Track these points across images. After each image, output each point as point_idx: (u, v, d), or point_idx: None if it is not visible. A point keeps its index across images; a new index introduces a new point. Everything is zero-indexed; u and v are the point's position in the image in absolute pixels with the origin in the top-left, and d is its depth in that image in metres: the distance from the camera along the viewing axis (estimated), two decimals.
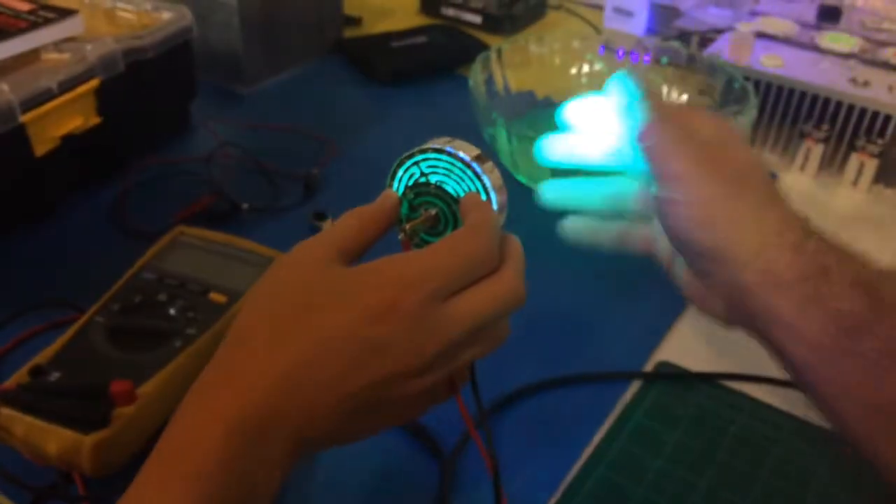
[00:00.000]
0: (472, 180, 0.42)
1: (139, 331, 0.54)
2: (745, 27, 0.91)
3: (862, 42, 0.92)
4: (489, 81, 0.83)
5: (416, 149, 0.43)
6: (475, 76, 0.78)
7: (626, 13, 1.15)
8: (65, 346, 0.53)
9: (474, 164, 0.42)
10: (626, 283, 0.70)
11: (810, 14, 0.99)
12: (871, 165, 0.83)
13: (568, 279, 0.70)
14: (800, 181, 0.86)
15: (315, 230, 0.72)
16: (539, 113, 0.87)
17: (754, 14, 0.99)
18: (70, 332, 0.54)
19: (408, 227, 0.42)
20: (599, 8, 1.18)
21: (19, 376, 0.51)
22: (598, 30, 1.15)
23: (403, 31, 1.05)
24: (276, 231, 0.73)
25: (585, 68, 0.89)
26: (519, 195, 0.47)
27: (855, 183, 0.85)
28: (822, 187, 0.85)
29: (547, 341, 0.64)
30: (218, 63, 0.93)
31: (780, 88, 0.86)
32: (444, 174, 0.43)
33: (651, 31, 1.12)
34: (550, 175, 0.52)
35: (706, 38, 1.02)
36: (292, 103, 0.93)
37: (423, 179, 0.43)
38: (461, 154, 0.42)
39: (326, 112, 0.92)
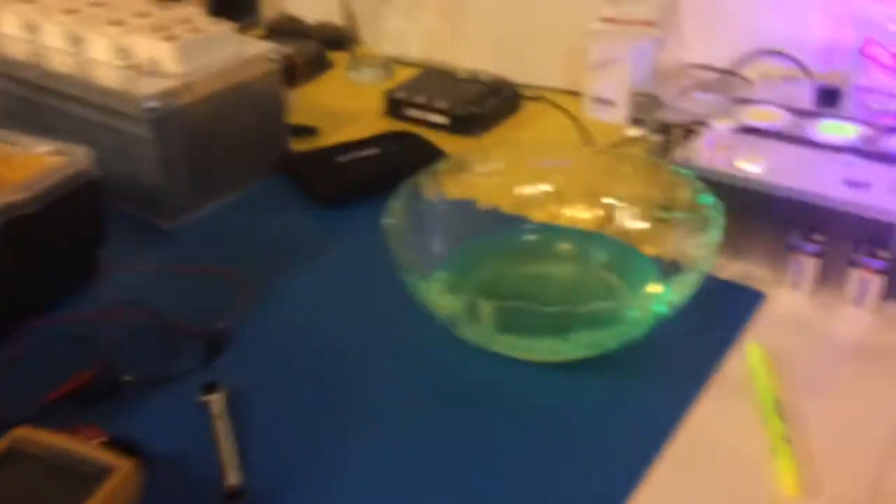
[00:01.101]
0: None
1: None
2: (725, 122, 0.79)
3: (864, 129, 0.79)
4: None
5: None
6: (395, 215, 0.68)
7: (607, 103, 1.04)
8: None
9: None
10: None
11: (807, 98, 0.87)
12: (877, 282, 0.70)
13: None
14: (793, 301, 0.73)
15: (202, 407, 0.62)
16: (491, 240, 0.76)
17: (744, 101, 0.87)
18: None
19: None
20: (580, 95, 1.08)
21: None
22: (577, 121, 1.04)
23: (354, 141, 0.96)
24: (160, 409, 0.63)
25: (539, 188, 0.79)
26: None
27: (859, 303, 0.71)
28: (821, 308, 0.72)
29: None
30: (139, 197, 0.85)
31: (762, 195, 0.74)
32: None
33: (633, 121, 1.01)
34: None
35: (690, 131, 0.90)
36: (221, 237, 0.85)
37: None
38: None
39: (257, 246, 0.84)
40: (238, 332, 0.71)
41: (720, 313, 0.71)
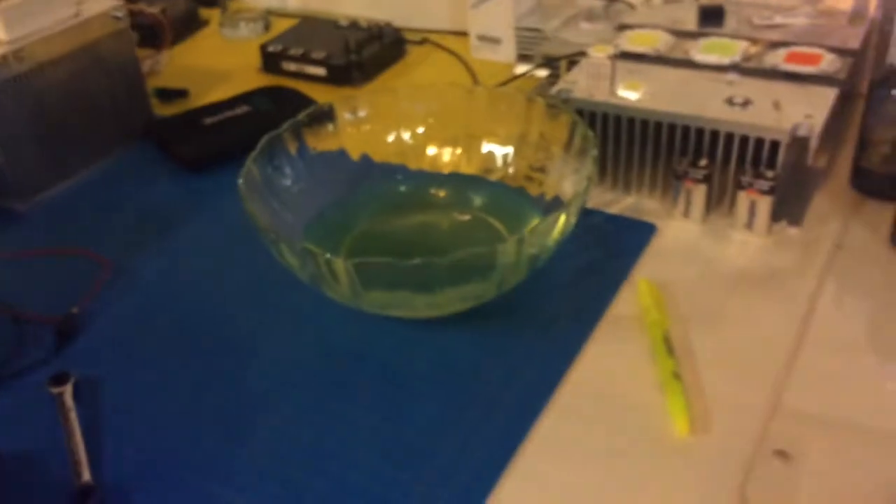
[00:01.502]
0: None
1: None
2: (602, 51, 0.75)
3: (747, 46, 0.76)
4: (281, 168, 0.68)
5: None
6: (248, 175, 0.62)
7: (493, 40, 1.00)
8: None
9: None
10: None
11: (691, 19, 0.83)
12: (765, 204, 0.67)
13: None
14: (685, 230, 0.70)
15: (52, 401, 0.57)
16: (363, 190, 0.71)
17: (627, 27, 0.83)
18: None
19: None
20: (467, 35, 1.02)
21: None
22: (465, 62, 0.99)
23: (224, 101, 0.90)
24: (9, 404, 0.58)
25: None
26: None
27: (749, 226, 0.68)
28: (712, 235, 0.69)
29: None
30: None
31: (643, 123, 0.70)
32: None
33: (521, 57, 0.97)
34: None
35: (573, 62, 0.86)
36: (78, 215, 0.78)
37: None
38: None
39: (117, 222, 0.77)
40: (94, 316, 0.65)
41: (611, 250, 0.68)
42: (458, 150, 0.73)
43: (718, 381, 0.56)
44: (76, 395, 0.57)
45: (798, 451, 0.51)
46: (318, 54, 0.98)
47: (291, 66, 1.00)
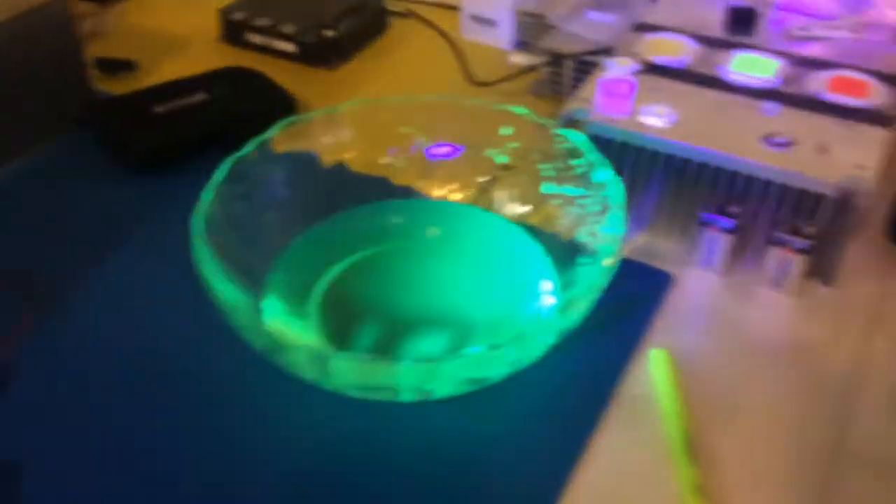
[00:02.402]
0: None
1: None
2: (623, 63, 0.65)
3: (783, 65, 0.67)
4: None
5: None
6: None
7: (487, 22, 0.88)
8: None
9: None
10: None
11: (717, 20, 0.73)
12: (799, 264, 0.58)
13: None
14: (705, 282, 0.62)
15: None
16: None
17: (644, 27, 0.72)
18: None
19: None
20: (457, 10, 0.91)
21: None
22: (453, 44, 0.88)
23: (176, 82, 0.78)
24: None
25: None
26: None
27: (778, 284, 0.60)
28: (735, 291, 0.61)
29: None
30: None
31: (668, 157, 0.61)
32: None
33: (518, 45, 0.86)
34: None
35: (584, 63, 0.76)
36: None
37: None
38: None
39: (50, 234, 0.66)
40: (24, 360, 0.55)
41: (622, 306, 0.59)
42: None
43: (747, 486, 0.48)
44: None
45: None
46: (288, 28, 0.86)
47: (256, 39, 0.88)
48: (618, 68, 0.63)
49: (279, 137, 0.58)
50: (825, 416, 0.52)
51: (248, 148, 0.57)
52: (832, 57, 0.68)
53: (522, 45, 0.86)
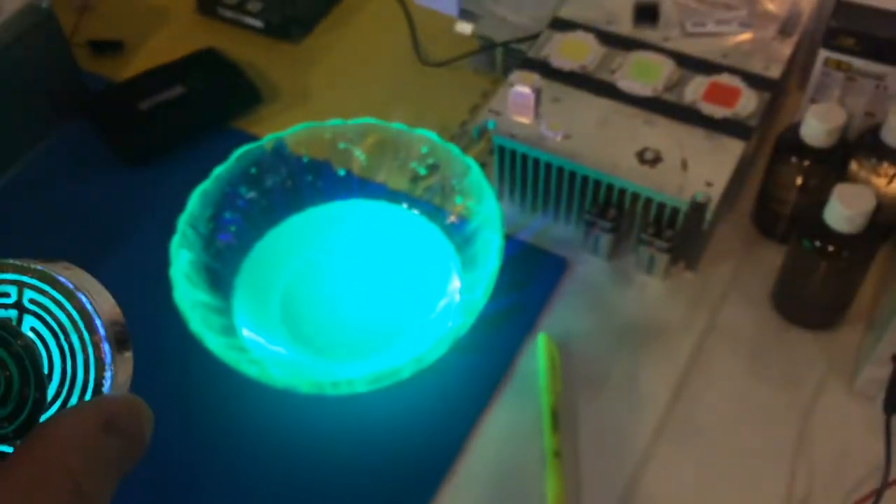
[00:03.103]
0: (80, 350, 0.30)
1: None
2: (528, 79, 0.75)
3: (672, 69, 0.77)
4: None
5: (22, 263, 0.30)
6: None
7: None
8: None
9: (100, 329, 0.30)
10: None
11: (627, 12, 0.82)
12: (663, 258, 0.72)
13: None
14: (593, 267, 0.76)
15: None
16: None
17: (560, 23, 0.81)
18: None
19: None
20: None
21: None
22: (406, 9, 0.97)
23: (156, 72, 0.89)
24: None
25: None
26: None
27: (649, 271, 0.74)
28: (617, 274, 0.75)
29: None
30: None
31: (560, 168, 0.73)
32: (41, 320, 0.30)
33: (462, 13, 0.95)
34: None
35: (513, 52, 0.86)
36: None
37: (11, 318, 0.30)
38: (90, 308, 0.30)
39: (42, 232, 0.79)
40: None
41: (521, 290, 0.74)
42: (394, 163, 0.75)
43: (594, 457, 0.65)
44: None
45: None
46: (254, 5, 0.96)
47: (228, 14, 0.98)
48: (521, 89, 0.73)
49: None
50: (664, 386, 0.68)
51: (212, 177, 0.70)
52: (715, 57, 0.77)
53: (466, 14, 0.95)
